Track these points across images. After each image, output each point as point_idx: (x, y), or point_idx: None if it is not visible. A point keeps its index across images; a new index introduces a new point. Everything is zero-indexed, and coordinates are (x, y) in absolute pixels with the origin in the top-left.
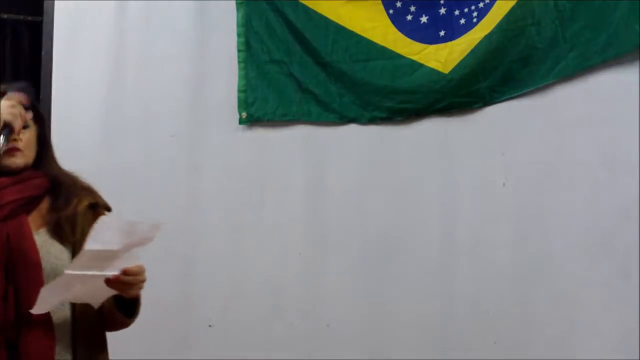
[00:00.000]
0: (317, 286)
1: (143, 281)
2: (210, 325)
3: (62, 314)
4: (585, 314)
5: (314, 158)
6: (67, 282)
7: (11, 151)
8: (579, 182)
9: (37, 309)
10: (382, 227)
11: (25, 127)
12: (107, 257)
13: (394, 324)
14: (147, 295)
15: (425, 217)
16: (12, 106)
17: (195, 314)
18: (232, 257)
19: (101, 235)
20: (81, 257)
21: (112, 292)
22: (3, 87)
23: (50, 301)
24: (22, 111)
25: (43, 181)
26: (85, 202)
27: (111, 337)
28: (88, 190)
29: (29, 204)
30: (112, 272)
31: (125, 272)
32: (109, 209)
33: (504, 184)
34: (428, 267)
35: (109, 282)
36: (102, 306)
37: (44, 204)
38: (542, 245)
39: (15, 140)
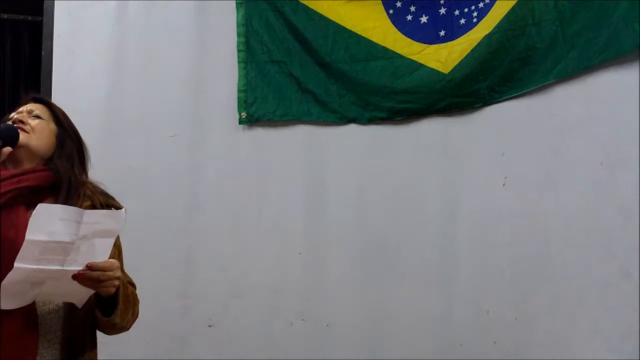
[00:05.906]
0: (317, 286)
1: (114, 278)
2: (210, 325)
3: (52, 308)
4: (585, 314)
5: (314, 158)
6: (27, 276)
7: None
8: (579, 182)
9: (4, 304)
10: (382, 227)
11: (36, 116)
12: (62, 249)
13: (394, 324)
14: (147, 295)
15: (425, 217)
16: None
17: (195, 314)
18: (232, 257)
19: (43, 225)
20: (26, 248)
21: (90, 290)
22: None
23: (17, 297)
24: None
25: (45, 175)
26: (84, 205)
27: (112, 337)
28: (89, 196)
29: (28, 196)
30: (76, 267)
31: (90, 267)
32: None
33: (504, 184)
34: (428, 267)
35: (76, 278)
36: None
37: (47, 202)
38: (542, 245)
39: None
